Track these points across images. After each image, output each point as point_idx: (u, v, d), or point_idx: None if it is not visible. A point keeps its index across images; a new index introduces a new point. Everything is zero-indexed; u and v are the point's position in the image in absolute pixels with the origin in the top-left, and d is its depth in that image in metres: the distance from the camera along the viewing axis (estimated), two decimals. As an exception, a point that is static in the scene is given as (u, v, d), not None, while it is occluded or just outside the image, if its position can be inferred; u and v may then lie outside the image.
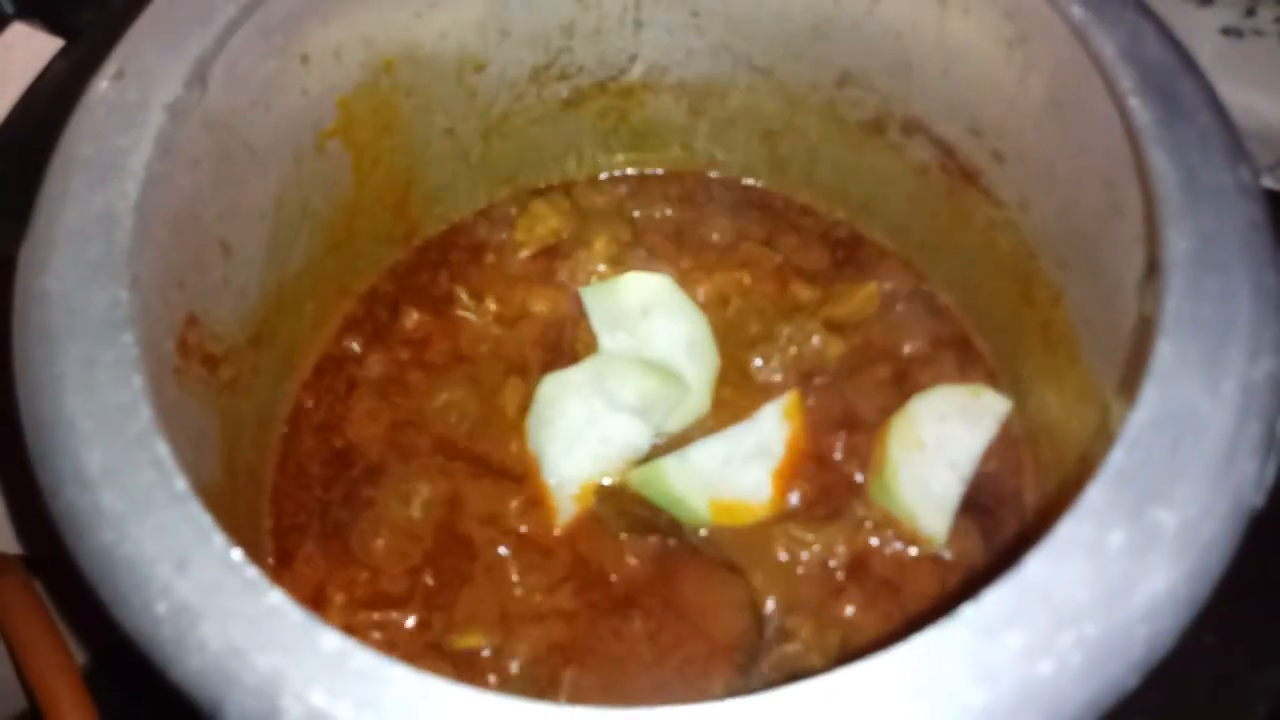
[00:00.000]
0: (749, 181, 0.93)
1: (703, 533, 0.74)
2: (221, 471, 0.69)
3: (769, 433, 0.76)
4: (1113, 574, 0.44)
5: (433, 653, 0.70)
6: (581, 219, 0.90)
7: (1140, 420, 0.48)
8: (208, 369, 0.68)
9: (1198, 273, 0.51)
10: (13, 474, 0.87)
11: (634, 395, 0.76)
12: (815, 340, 0.81)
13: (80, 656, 0.83)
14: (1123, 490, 0.46)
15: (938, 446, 0.74)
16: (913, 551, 0.73)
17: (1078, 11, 0.59)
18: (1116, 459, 0.47)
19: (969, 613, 0.44)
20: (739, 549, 0.73)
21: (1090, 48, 0.59)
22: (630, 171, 0.94)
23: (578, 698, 0.69)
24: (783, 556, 0.73)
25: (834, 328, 0.82)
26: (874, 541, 0.74)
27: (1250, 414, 0.48)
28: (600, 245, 0.85)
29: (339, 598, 0.72)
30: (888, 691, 0.42)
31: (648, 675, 0.70)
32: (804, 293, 0.84)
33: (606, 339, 0.80)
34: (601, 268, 0.85)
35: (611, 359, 0.78)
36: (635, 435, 0.76)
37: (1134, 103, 0.55)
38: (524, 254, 0.88)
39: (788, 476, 0.76)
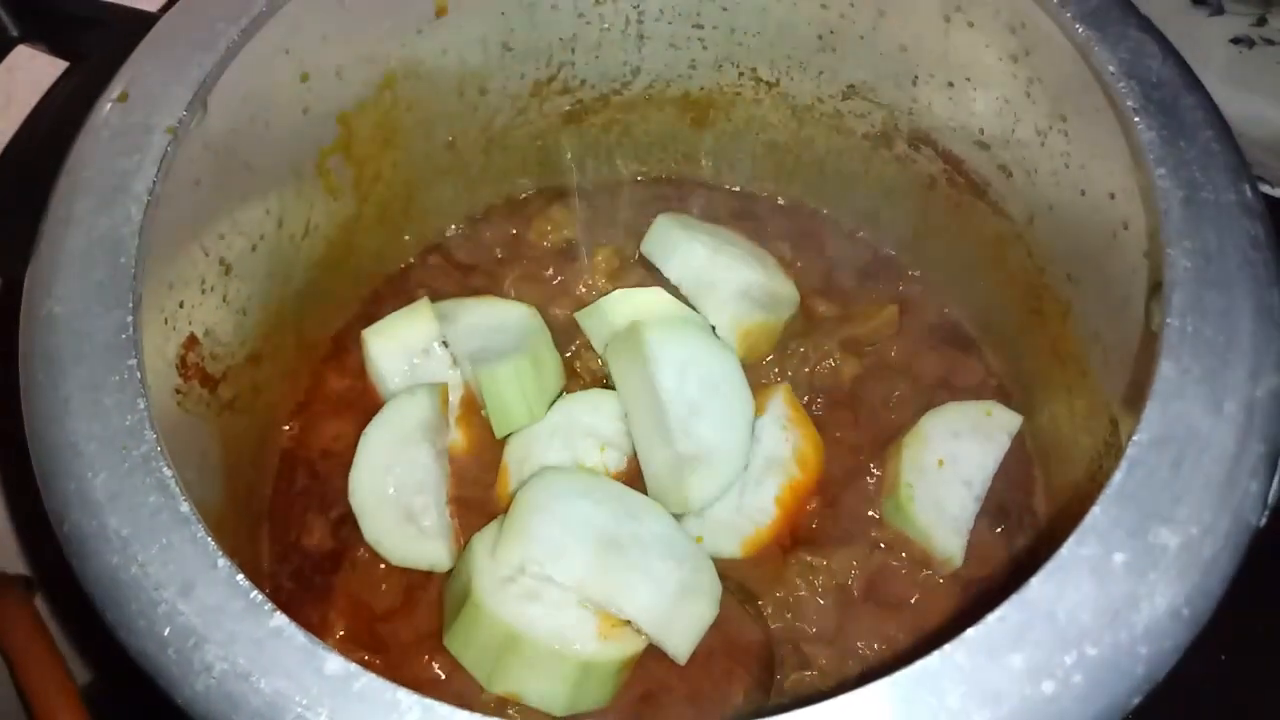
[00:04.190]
0: (757, 193, 0.93)
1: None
2: (223, 492, 0.69)
3: (773, 443, 0.75)
4: (1115, 594, 0.45)
5: (438, 681, 0.70)
6: (584, 230, 0.90)
7: (1143, 439, 0.48)
8: (208, 389, 0.68)
9: (1200, 290, 0.51)
10: (18, 495, 0.88)
11: (616, 420, 0.76)
12: (831, 361, 0.80)
13: (81, 676, 0.84)
14: (1125, 510, 0.46)
15: (951, 464, 0.73)
16: (928, 572, 0.73)
17: (1081, 27, 0.59)
18: (1119, 479, 0.47)
19: (972, 634, 0.44)
20: (753, 577, 0.73)
21: (1093, 63, 0.59)
22: (639, 180, 0.94)
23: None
24: (797, 583, 0.72)
25: (850, 348, 0.82)
26: (889, 564, 0.73)
27: (1252, 433, 0.48)
28: (602, 258, 0.85)
29: (341, 625, 0.72)
30: (889, 715, 0.42)
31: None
32: (820, 309, 0.84)
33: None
34: (602, 282, 0.84)
35: (573, 398, 0.77)
36: (617, 458, 0.75)
37: (1137, 120, 0.55)
38: (524, 269, 0.87)
39: (802, 492, 0.75)
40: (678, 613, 0.66)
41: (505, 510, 0.74)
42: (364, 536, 0.72)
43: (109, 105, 0.59)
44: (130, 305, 0.53)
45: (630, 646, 0.65)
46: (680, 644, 0.66)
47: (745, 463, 0.73)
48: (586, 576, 0.65)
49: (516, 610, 0.64)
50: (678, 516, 0.72)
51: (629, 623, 0.66)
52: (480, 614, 0.65)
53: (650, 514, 0.69)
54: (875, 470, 0.77)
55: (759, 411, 0.75)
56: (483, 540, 0.68)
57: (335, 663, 0.44)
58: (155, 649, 0.46)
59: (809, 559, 0.72)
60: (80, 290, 0.54)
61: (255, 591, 0.46)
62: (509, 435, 0.76)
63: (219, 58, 0.61)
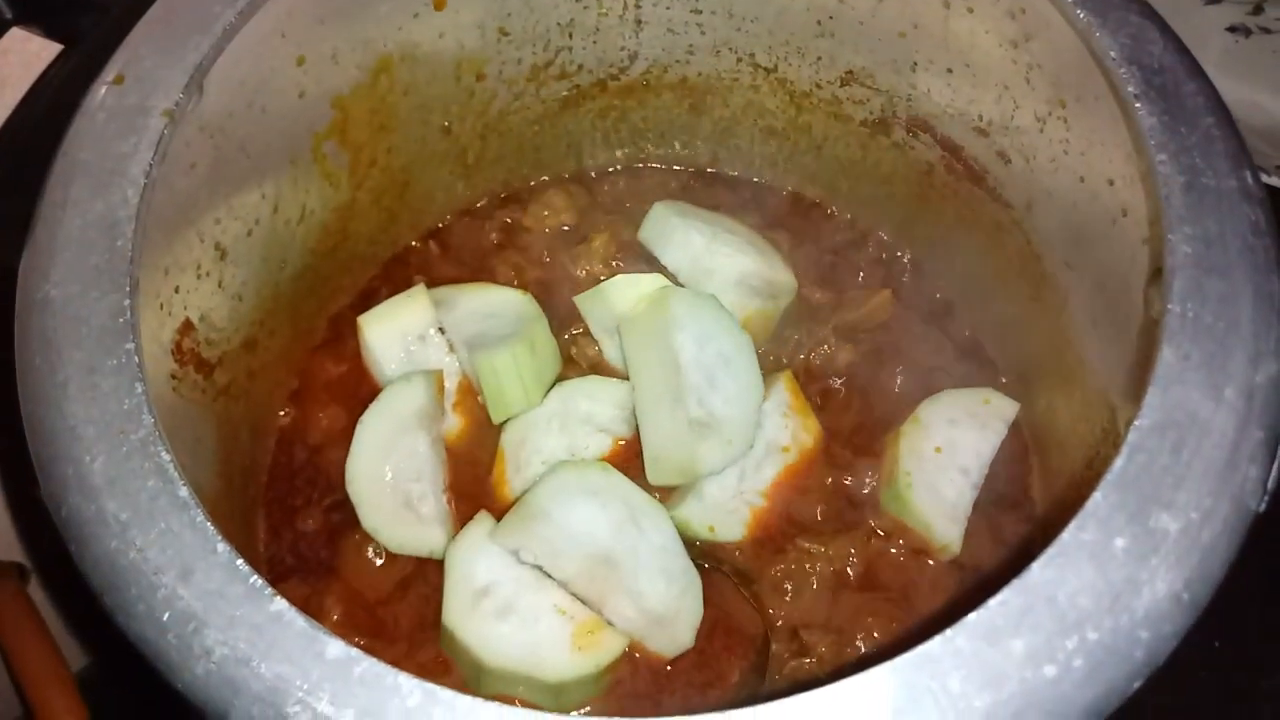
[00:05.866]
0: (754, 179, 0.93)
1: (698, 544, 0.73)
2: (218, 477, 0.69)
3: (774, 428, 0.75)
4: (1116, 579, 0.45)
5: (438, 667, 0.70)
6: (581, 215, 0.89)
7: (1143, 425, 0.48)
8: (203, 374, 0.67)
9: (1200, 277, 0.51)
10: (14, 479, 0.87)
11: (613, 406, 0.76)
12: (826, 348, 0.80)
13: (75, 662, 0.83)
14: (1126, 495, 0.46)
15: (949, 452, 0.74)
16: (926, 560, 0.73)
17: (1082, 13, 0.59)
18: (1120, 464, 0.47)
19: (973, 619, 0.44)
20: (751, 563, 0.73)
21: (1094, 49, 0.59)
22: (636, 166, 0.94)
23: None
24: (795, 570, 0.72)
25: (845, 334, 0.82)
26: (887, 551, 0.73)
27: (1252, 419, 0.48)
28: (599, 243, 0.85)
29: (337, 611, 0.72)
30: (891, 699, 0.42)
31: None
32: (815, 295, 0.83)
33: (608, 345, 0.79)
34: (599, 268, 0.84)
35: (570, 385, 0.77)
36: (607, 443, 0.76)
37: (1138, 105, 0.55)
38: (521, 255, 0.87)
39: (800, 478, 0.75)
40: (654, 633, 0.67)
41: (500, 496, 0.75)
42: (362, 524, 0.72)
43: (105, 88, 0.59)
44: (127, 289, 0.53)
45: (606, 655, 0.66)
46: (651, 656, 0.68)
47: (752, 440, 0.73)
48: (575, 580, 0.67)
49: (487, 633, 0.65)
50: (676, 497, 0.72)
51: (608, 624, 0.67)
52: (453, 640, 0.66)
53: (654, 522, 0.69)
54: (872, 457, 0.77)
55: None
56: (458, 549, 0.68)
57: (336, 647, 0.44)
58: (155, 634, 0.46)
59: (807, 546, 0.72)
60: (77, 274, 0.53)
61: (255, 576, 0.46)
62: (506, 421, 0.76)
63: (215, 40, 0.61)
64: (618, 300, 0.78)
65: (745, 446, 0.72)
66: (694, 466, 0.71)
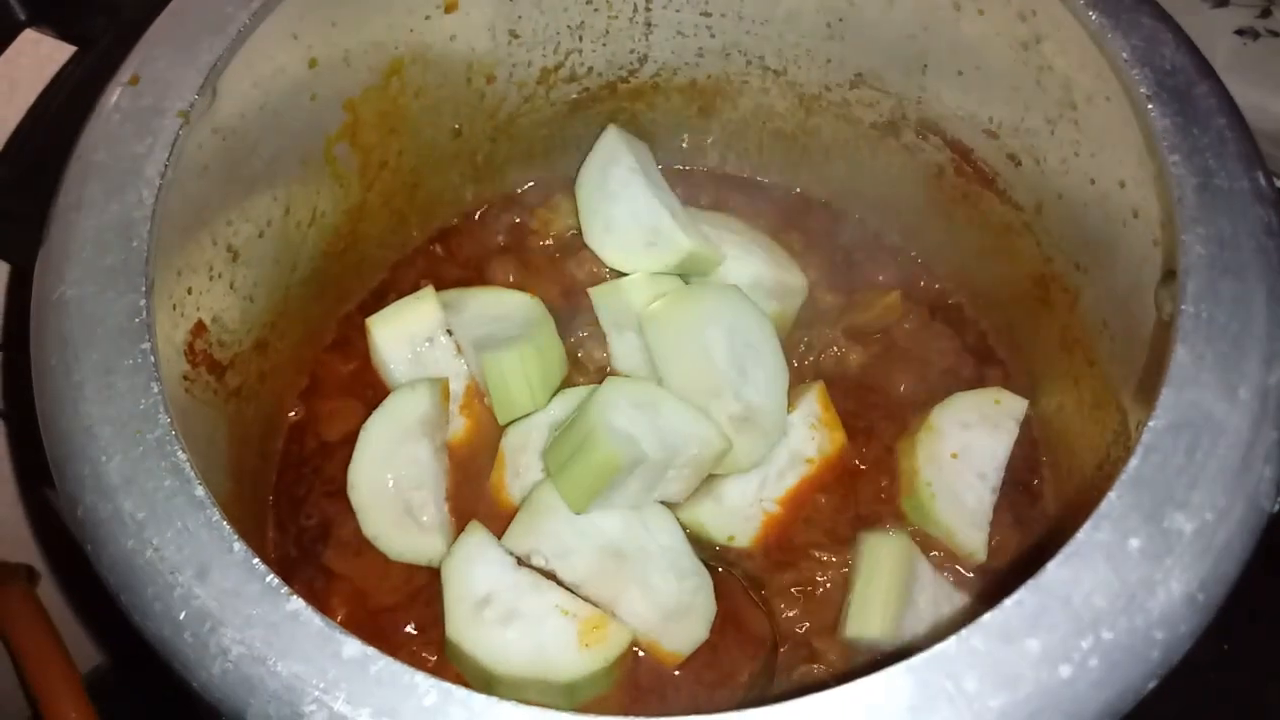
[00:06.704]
0: (764, 181, 0.93)
1: (716, 548, 0.73)
2: (228, 479, 0.69)
3: (800, 440, 0.75)
4: (1131, 579, 0.45)
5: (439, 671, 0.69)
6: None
7: (1157, 425, 0.48)
8: (215, 376, 0.68)
9: (1214, 278, 0.51)
10: (29, 479, 0.87)
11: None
12: (836, 349, 0.80)
13: (83, 663, 0.83)
14: (1140, 495, 0.47)
15: (965, 457, 0.73)
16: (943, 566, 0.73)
17: (1093, 14, 0.59)
18: (1134, 464, 0.47)
19: (989, 619, 0.44)
20: (764, 568, 0.73)
21: (1106, 51, 0.59)
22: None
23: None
24: (809, 577, 0.72)
25: (854, 336, 0.82)
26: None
27: (1266, 419, 0.48)
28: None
29: (342, 611, 0.72)
30: (907, 698, 0.42)
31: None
32: (826, 298, 0.83)
33: (616, 341, 0.79)
34: (607, 271, 0.84)
35: (574, 393, 0.76)
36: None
37: (1150, 107, 0.56)
38: (528, 258, 0.87)
39: (817, 487, 0.75)
40: (669, 629, 0.67)
41: (500, 501, 0.75)
42: (362, 531, 0.72)
43: (119, 89, 0.59)
44: (143, 289, 0.53)
45: (614, 649, 0.66)
46: (666, 656, 0.68)
47: (784, 427, 0.73)
48: (587, 579, 0.67)
49: (493, 641, 0.65)
50: (692, 500, 0.72)
51: (612, 618, 0.66)
52: (459, 653, 0.66)
53: (661, 523, 0.70)
54: (882, 459, 0.77)
55: (790, 408, 0.75)
56: (453, 562, 0.68)
57: (353, 646, 0.44)
58: (171, 633, 0.46)
59: (818, 555, 0.72)
60: (92, 274, 0.54)
61: (271, 575, 0.46)
62: (508, 425, 0.76)
63: (229, 42, 0.61)
64: (634, 296, 0.78)
65: (780, 433, 0.73)
66: (735, 461, 0.71)
